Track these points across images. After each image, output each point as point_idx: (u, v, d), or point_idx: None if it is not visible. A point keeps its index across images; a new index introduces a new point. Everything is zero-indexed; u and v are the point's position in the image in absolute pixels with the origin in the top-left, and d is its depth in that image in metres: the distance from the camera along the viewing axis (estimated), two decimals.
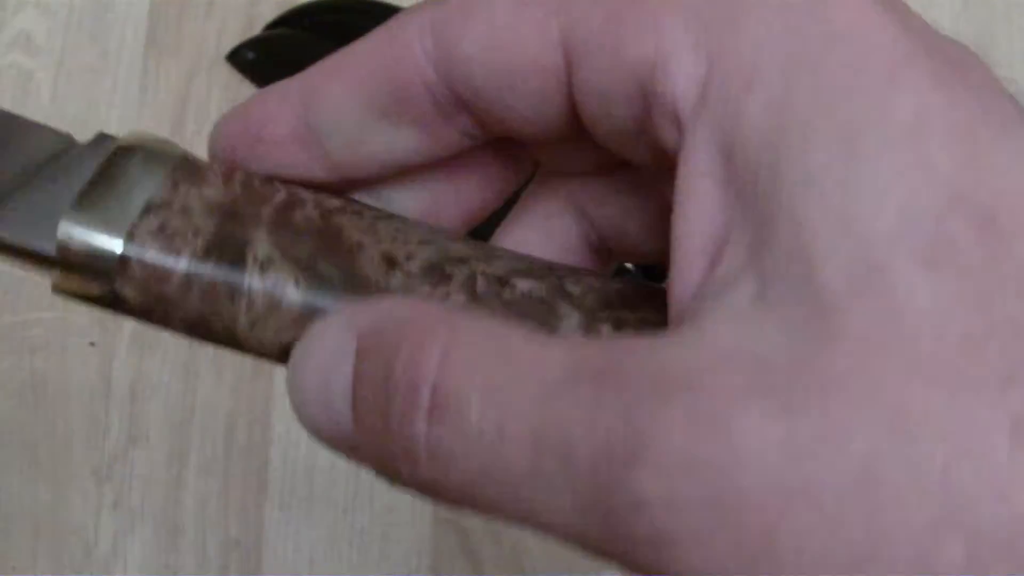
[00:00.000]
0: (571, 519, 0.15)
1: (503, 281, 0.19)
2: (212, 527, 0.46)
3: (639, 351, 0.16)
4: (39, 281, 0.47)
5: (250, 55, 0.52)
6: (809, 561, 0.14)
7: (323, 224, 0.20)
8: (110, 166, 0.20)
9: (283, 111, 0.20)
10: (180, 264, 0.19)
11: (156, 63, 0.53)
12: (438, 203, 0.21)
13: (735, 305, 0.16)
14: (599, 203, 0.21)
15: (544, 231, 0.22)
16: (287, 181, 0.21)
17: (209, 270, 0.19)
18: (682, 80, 0.16)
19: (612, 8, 0.17)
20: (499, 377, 0.16)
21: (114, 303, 0.20)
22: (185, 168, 0.20)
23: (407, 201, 0.21)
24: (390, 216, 0.20)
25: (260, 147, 0.20)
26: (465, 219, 0.22)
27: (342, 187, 0.21)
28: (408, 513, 0.46)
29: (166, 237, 0.19)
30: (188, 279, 0.19)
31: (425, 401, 0.16)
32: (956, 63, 0.17)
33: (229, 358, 0.48)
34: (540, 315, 0.19)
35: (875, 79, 0.16)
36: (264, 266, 0.19)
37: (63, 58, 0.53)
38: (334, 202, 0.20)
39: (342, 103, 0.19)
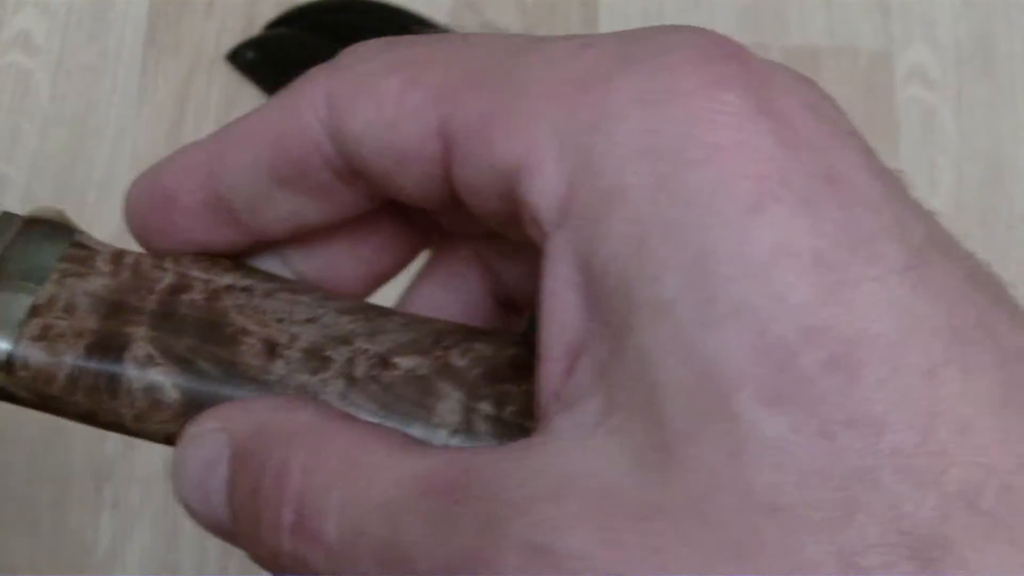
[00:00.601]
0: None
1: (384, 361, 0.19)
2: None
3: (487, 468, 0.16)
4: None
5: (250, 55, 0.52)
6: None
7: (208, 309, 0.20)
8: (2, 259, 0.20)
9: (191, 179, 0.20)
10: (63, 366, 0.20)
11: (155, 63, 0.53)
12: (340, 266, 0.21)
13: (582, 423, 0.16)
14: (502, 259, 0.21)
15: (451, 288, 0.22)
16: (187, 253, 0.21)
17: (91, 371, 0.20)
18: (545, 193, 0.16)
19: (487, 107, 0.17)
20: (355, 492, 0.16)
21: (7, 397, 0.21)
22: (74, 258, 0.21)
23: (310, 264, 0.21)
24: (282, 288, 0.21)
25: (172, 215, 0.20)
26: (367, 282, 0.22)
27: (254, 248, 0.21)
28: None
29: (49, 340, 0.20)
30: (72, 379, 0.20)
31: (288, 519, 0.17)
32: (834, 176, 0.17)
33: None
34: (418, 395, 0.19)
35: (735, 205, 0.15)
36: (143, 365, 0.19)
37: (62, 57, 0.53)
38: (224, 280, 0.20)
39: (245, 171, 0.19)
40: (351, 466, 0.17)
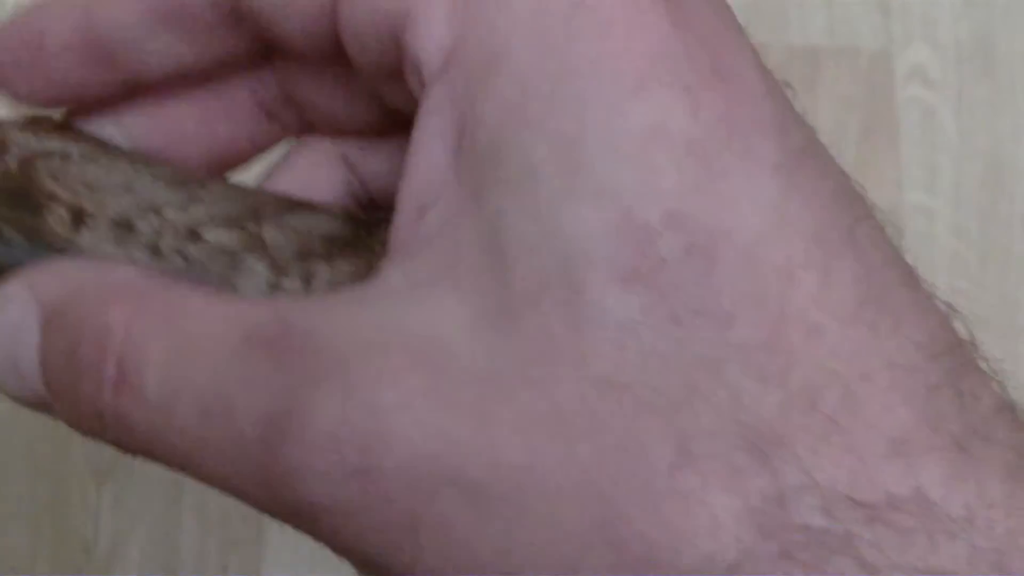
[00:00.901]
0: (242, 484, 0.16)
1: (192, 233, 0.19)
2: (212, 527, 0.46)
3: (310, 319, 0.16)
4: None
5: None
6: (452, 548, 0.14)
7: (20, 175, 0.19)
8: None
9: (67, 16, 0.19)
10: None
11: None
12: (187, 140, 0.21)
13: (422, 276, 0.15)
14: (365, 158, 0.21)
15: (308, 181, 0.21)
16: (14, 119, 0.20)
17: None
18: (429, 43, 0.16)
19: None
20: (177, 347, 0.16)
21: None
22: None
23: (157, 134, 0.21)
24: (104, 155, 0.20)
25: (44, 55, 0.19)
26: (214, 162, 0.21)
27: (122, 96, 0.20)
28: None
29: None
30: None
31: (110, 375, 0.17)
32: (721, 69, 0.16)
33: None
34: (223, 270, 0.18)
35: (618, 83, 0.15)
36: None
37: None
38: (45, 145, 0.19)
39: (126, 8, 0.19)
40: (173, 318, 0.17)
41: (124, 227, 0.19)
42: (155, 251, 0.18)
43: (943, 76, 0.54)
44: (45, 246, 0.18)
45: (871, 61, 0.54)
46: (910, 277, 0.17)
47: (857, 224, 0.16)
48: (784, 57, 0.53)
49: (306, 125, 0.21)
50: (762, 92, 0.17)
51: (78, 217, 0.19)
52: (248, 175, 0.22)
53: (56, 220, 0.19)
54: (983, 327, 0.55)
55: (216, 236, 0.19)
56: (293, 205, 0.20)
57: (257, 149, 0.22)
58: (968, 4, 0.55)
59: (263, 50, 0.19)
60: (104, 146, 0.20)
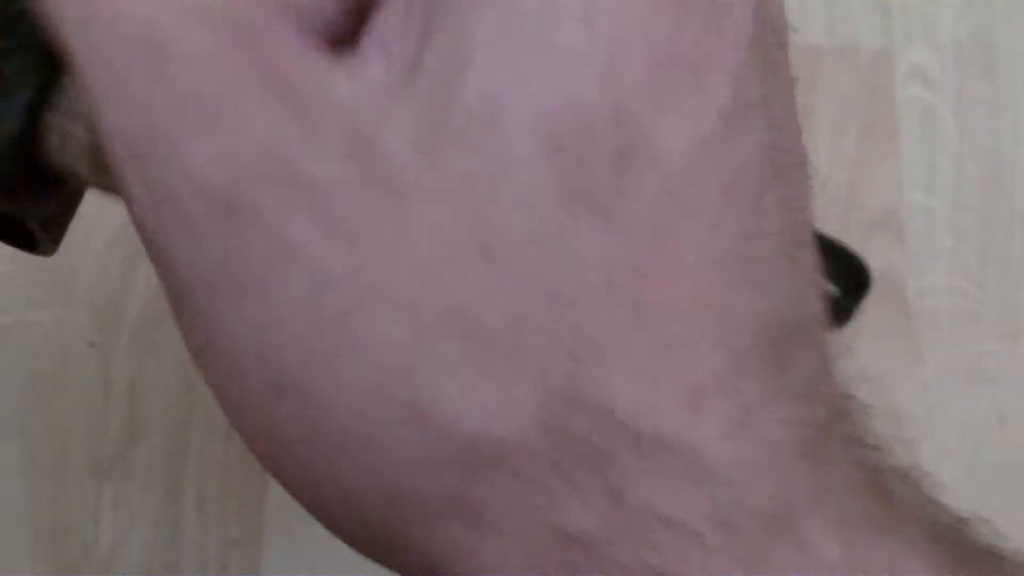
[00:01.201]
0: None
1: None
2: (212, 527, 0.46)
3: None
4: (40, 280, 0.47)
5: None
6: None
7: None
8: None
9: None
10: None
11: None
12: None
13: (389, 77, 0.15)
14: None
15: None
16: None
17: None
18: None
19: None
20: None
21: None
22: None
23: None
24: None
25: None
26: None
27: None
28: None
29: None
30: None
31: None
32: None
33: None
34: None
35: None
36: None
37: None
38: None
39: None
40: None
41: None
42: None
43: (943, 76, 0.54)
44: None
45: (871, 61, 0.54)
46: (787, 246, 0.17)
47: (769, 187, 0.17)
48: None
49: None
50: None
51: None
52: None
53: None
54: (983, 327, 0.55)
55: None
56: None
57: None
58: (968, 4, 0.55)
59: None
60: None
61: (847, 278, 0.49)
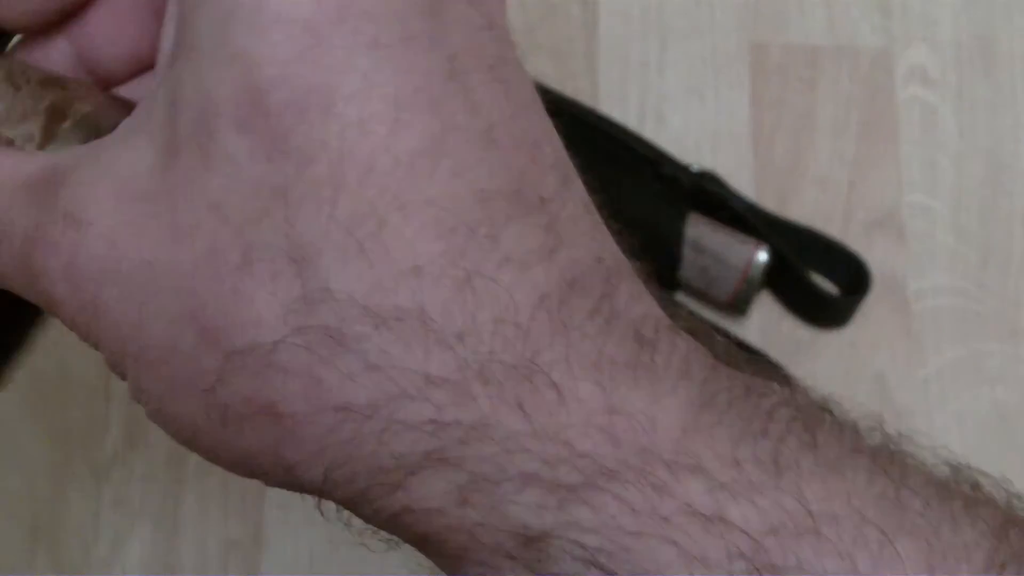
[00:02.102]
0: (13, 282, 0.23)
1: None
2: (212, 527, 0.46)
3: (68, 165, 0.22)
4: None
5: None
6: (105, 327, 0.22)
7: None
8: None
9: None
10: None
11: None
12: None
13: (134, 126, 0.21)
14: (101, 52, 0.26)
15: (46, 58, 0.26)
16: None
17: None
18: None
19: None
20: None
21: None
22: None
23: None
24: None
25: None
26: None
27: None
28: None
29: None
30: None
31: None
32: None
33: None
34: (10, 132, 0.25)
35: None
36: None
37: None
38: None
39: None
40: None
41: None
42: None
43: (943, 76, 0.54)
44: None
45: (871, 61, 0.54)
46: (504, 129, 0.21)
47: (454, 91, 0.20)
48: (784, 57, 0.53)
49: None
50: None
51: None
52: None
53: None
54: (983, 327, 0.56)
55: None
56: (51, 80, 0.25)
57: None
58: (968, 4, 0.55)
59: None
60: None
61: (847, 278, 0.49)
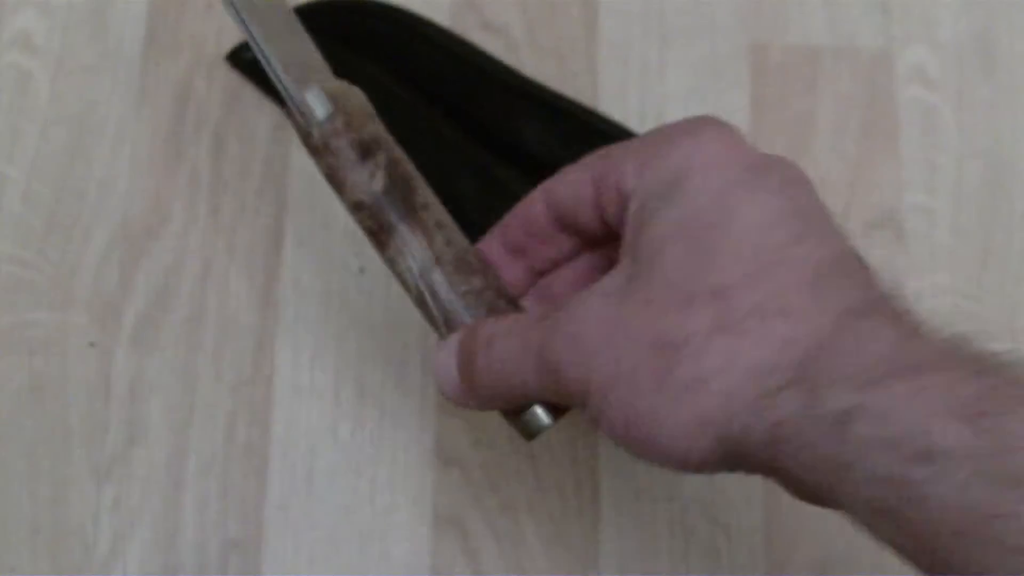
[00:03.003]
0: (533, 380, 0.34)
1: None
2: (212, 527, 0.46)
3: (563, 305, 0.34)
4: (39, 282, 0.47)
5: (249, 55, 0.52)
6: (607, 404, 0.32)
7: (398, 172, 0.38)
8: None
9: (536, 201, 0.38)
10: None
11: (155, 63, 0.53)
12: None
13: (609, 284, 0.33)
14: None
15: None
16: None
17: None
18: (627, 186, 0.34)
19: (602, 166, 0.35)
20: (496, 355, 0.35)
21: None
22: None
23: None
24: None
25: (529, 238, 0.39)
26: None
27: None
28: (408, 513, 0.46)
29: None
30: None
31: (477, 360, 0.35)
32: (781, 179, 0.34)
33: (229, 358, 0.48)
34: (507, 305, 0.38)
35: (712, 194, 0.32)
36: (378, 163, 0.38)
37: (62, 58, 0.53)
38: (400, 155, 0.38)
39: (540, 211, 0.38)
40: (504, 332, 0.35)
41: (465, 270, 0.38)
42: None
43: (943, 76, 0.54)
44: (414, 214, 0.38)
45: (871, 61, 0.54)
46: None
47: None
48: (784, 57, 0.53)
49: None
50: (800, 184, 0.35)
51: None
52: None
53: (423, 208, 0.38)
54: (983, 327, 0.55)
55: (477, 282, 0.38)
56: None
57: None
58: (968, 4, 0.55)
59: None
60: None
61: None
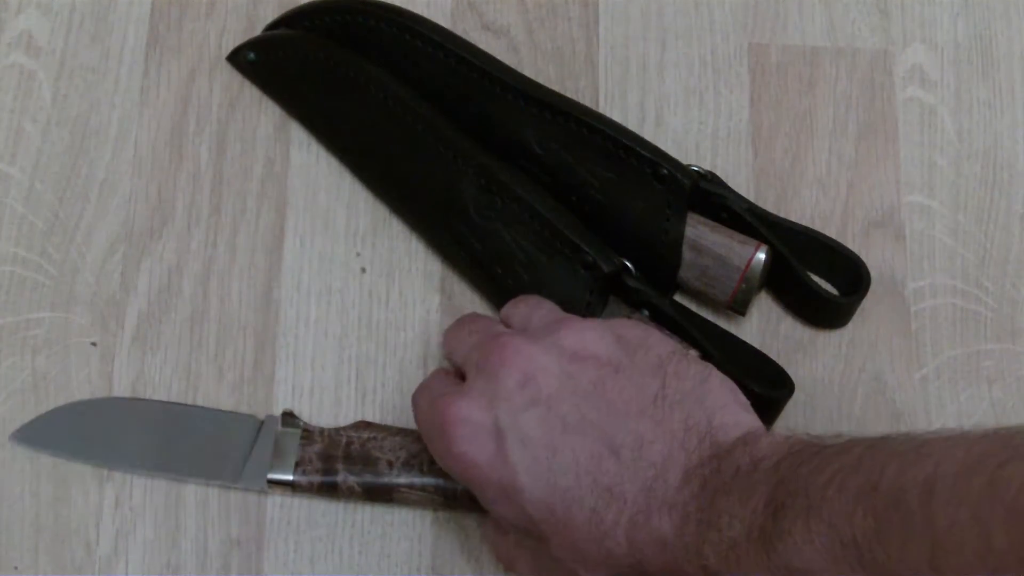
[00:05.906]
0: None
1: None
2: (212, 527, 0.46)
3: None
4: (41, 282, 0.47)
5: (250, 55, 0.52)
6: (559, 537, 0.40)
7: (361, 449, 0.46)
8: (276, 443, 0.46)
9: None
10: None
11: (157, 63, 0.53)
12: None
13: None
14: None
15: None
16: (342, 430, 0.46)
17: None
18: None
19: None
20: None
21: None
22: (304, 437, 0.46)
23: None
24: (395, 434, 0.46)
25: None
26: None
27: None
28: (408, 513, 0.46)
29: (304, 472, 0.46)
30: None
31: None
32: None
33: (229, 358, 0.49)
34: None
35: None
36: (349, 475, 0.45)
37: (65, 58, 0.53)
38: (364, 435, 0.46)
39: None
40: None
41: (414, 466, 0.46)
42: None
43: (942, 76, 0.54)
44: (383, 480, 0.46)
45: (870, 61, 0.54)
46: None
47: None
48: (784, 57, 0.53)
49: None
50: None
51: (389, 463, 0.46)
52: None
53: (384, 466, 0.46)
54: (983, 327, 0.55)
55: None
56: None
57: None
58: (968, 4, 0.55)
59: None
60: (390, 429, 0.47)
61: (846, 278, 0.49)
